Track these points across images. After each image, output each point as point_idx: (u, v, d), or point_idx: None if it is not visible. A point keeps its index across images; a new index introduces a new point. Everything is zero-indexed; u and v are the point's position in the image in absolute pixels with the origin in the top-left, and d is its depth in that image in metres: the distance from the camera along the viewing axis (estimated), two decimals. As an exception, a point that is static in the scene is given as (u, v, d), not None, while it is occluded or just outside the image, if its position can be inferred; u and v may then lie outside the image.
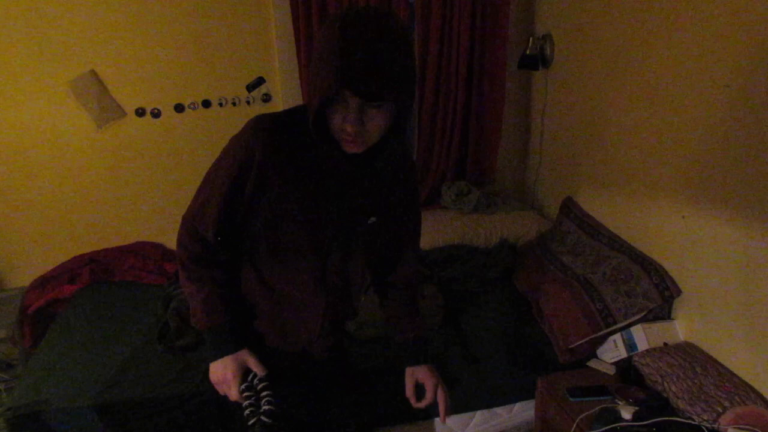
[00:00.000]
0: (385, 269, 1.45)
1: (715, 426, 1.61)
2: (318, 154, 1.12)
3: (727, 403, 1.64)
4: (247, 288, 1.26)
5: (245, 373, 1.22)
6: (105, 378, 1.96)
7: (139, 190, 2.96)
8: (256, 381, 1.21)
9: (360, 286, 1.36)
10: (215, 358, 1.21)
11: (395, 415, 2.03)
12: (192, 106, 2.91)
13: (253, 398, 1.18)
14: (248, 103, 2.95)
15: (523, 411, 2.16)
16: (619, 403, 1.82)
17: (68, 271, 2.77)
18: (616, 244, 2.30)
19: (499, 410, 2.14)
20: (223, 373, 1.20)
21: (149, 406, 1.88)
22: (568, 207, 2.73)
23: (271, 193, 1.13)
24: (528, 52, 2.89)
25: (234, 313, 1.23)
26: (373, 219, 1.25)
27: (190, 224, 1.21)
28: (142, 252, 2.94)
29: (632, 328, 2.04)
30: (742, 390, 1.69)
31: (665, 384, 1.80)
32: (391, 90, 0.97)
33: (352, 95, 0.97)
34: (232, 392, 1.20)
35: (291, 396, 1.33)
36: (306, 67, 2.80)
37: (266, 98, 2.97)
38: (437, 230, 2.83)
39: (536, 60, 2.91)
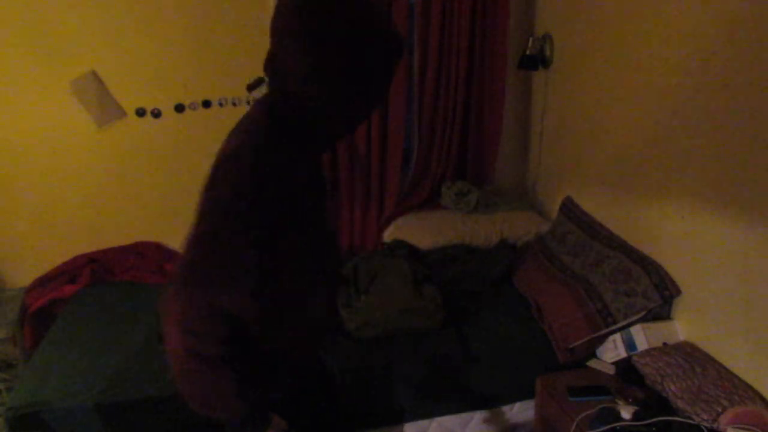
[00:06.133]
0: None
1: (715, 425, 1.61)
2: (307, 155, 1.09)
3: (726, 403, 1.64)
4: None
5: None
6: (105, 378, 1.96)
7: (140, 190, 2.96)
8: None
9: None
10: None
11: (393, 414, 2.03)
12: (192, 106, 2.91)
13: None
14: (248, 103, 2.95)
15: (523, 411, 2.17)
16: (619, 402, 1.82)
17: (68, 271, 2.78)
18: (616, 244, 2.30)
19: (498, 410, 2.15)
20: None
21: (149, 406, 1.88)
22: (568, 207, 2.73)
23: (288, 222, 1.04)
24: (528, 52, 2.89)
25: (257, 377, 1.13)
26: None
27: (202, 299, 0.95)
28: (142, 252, 2.94)
29: (632, 328, 2.04)
30: (742, 390, 1.69)
31: (665, 384, 1.80)
32: None
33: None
34: None
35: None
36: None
37: (266, 98, 2.97)
38: (437, 230, 2.83)
39: (536, 60, 2.91)
